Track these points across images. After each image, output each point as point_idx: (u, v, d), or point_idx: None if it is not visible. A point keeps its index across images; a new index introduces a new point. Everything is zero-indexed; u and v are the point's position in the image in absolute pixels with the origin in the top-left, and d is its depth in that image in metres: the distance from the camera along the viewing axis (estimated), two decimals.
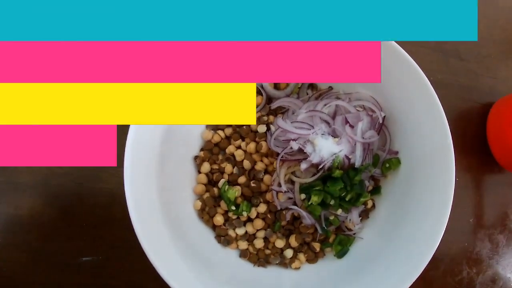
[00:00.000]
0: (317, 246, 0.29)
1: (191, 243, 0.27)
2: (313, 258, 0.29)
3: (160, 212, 0.26)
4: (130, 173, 0.23)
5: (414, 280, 0.25)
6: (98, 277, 0.31)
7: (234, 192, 0.29)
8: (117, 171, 0.32)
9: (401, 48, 0.26)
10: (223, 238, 0.29)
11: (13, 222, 0.33)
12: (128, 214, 0.31)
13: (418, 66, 0.26)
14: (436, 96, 0.26)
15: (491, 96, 0.36)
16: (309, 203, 0.27)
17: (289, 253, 0.29)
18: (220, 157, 0.31)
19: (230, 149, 0.30)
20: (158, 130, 0.26)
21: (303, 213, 0.28)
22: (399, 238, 0.27)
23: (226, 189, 0.29)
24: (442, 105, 0.26)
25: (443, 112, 0.26)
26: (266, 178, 0.29)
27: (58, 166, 0.33)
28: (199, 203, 0.30)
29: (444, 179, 0.25)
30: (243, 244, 0.30)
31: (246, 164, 0.29)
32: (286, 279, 0.29)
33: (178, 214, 0.27)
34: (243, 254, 0.29)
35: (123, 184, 0.31)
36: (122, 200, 0.31)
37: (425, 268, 0.30)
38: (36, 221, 0.32)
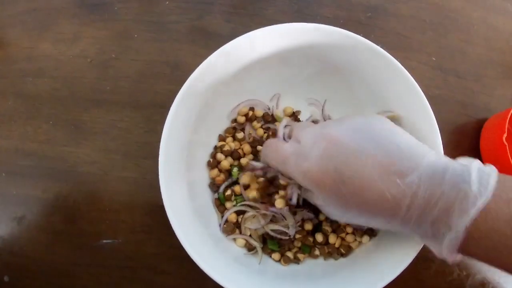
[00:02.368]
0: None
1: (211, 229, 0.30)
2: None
3: (188, 199, 0.29)
4: (164, 159, 0.26)
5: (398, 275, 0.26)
6: (116, 258, 0.34)
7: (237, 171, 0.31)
8: (142, 162, 0.35)
9: (401, 66, 0.29)
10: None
11: (39, 205, 0.35)
12: (149, 201, 0.34)
13: (415, 82, 0.29)
14: (431, 109, 0.29)
15: (486, 112, 0.39)
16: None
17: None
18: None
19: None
20: (191, 121, 0.29)
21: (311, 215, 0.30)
22: (387, 238, 0.29)
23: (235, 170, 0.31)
24: (439, 118, 0.28)
25: (437, 126, 0.28)
26: None
27: (86, 154, 0.36)
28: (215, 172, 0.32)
29: None
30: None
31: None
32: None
33: (201, 202, 0.30)
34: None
35: (149, 173, 0.34)
36: (144, 188, 0.35)
37: (417, 268, 0.32)
38: (61, 205, 0.35)
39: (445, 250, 0.21)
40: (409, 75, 0.28)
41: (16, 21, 0.39)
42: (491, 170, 0.21)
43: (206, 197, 0.32)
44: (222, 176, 0.32)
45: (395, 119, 0.32)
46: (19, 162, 0.36)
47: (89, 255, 0.34)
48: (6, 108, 0.37)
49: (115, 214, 0.34)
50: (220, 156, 0.32)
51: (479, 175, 0.21)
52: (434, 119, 0.28)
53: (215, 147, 0.33)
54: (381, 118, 0.25)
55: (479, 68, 0.40)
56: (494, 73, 0.40)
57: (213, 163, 0.32)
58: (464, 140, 0.38)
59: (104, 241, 0.34)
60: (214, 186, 0.32)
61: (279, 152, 0.25)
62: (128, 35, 0.38)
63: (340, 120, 0.25)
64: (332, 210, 0.24)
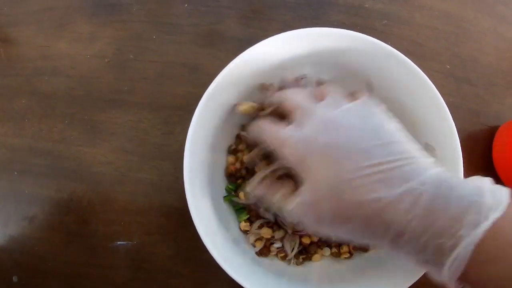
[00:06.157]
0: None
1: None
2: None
3: (210, 198, 0.29)
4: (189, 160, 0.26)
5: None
6: (131, 260, 0.34)
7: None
8: (159, 164, 0.35)
9: (424, 75, 0.29)
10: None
11: (52, 204, 0.35)
12: (166, 203, 0.34)
13: (436, 89, 0.29)
14: (450, 116, 0.29)
15: (498, 120, 0.39)
16: None
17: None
18: None
19: None
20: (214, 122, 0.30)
21: None
22: None
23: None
24: None
25: (456, 133, 0.29)
26: None
27: (102, 155, 0.35)
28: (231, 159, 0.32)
29: None
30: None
31: None
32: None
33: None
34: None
35: (166, 175, 0.34)
36: (161, 190, 0.34)
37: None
38: (75, 205, 0.35)
39: (448, 272, 0.19)
40: (428, 80, 0.29)
41: (31, 19, 0.39)
42: (505, 188, 0.20)
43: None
44: (237, 165, 0.32)
45: None
46: (32, 161, 0.36)
47: (103, 256, 0.34)
48: (20, 106, 0.37)
49: (131, 216, 0.34)
50: (242, 146, 0.32)
51: (491, 189, 0.19)
52: (454, 126, 0.29)
53: (237, 136, 0.33)
54: (391, 118, 0.23)
55: (491, 76, 0.41)
56: (505, 82, 0.41)
57: (233, 151, 0.32)
58: (476, 147, 0.39)
59: (119, 242, 0.34)
60: (231, 176, 0.32)
61: (279, 134, 0.24)
62: (146, 37, 0.38)
63: (351, 109, 0.23)
64: (319, 217, 0.22)
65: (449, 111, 0.29)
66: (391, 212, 0.19)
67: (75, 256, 0.34)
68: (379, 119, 0.23)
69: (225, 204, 0.32)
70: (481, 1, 0.42)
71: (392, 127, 0.23)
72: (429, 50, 0.40)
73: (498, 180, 0.38)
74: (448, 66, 0.40)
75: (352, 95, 0.26)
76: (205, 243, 0.25)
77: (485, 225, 0.18)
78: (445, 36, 0.41)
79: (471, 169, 0.38)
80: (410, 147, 0.22)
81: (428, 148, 0.31)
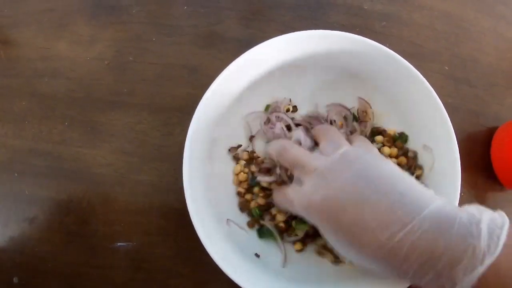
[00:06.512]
0: None
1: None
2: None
3: (209, 205, 0.29)
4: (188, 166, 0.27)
5: None
6: (131, 260, 0.34)
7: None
8: (159, 165, 0.35)
9: (423, 77, 0.29)
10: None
11: (52, 205, 0.35)
12: (166, 204, 0.34)
13: (433, 90, 0.29)
14: (448, 118, 0.29)
15: (497, 121, 0.39)
16: None
17: None
18: None
19: None
20: (210, 127, 0.30)
21: None
22: None
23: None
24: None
25: (454, 135, 0.29)
26: None
27: (102, 156, 0.35)
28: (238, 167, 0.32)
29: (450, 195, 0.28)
30: None
31: None
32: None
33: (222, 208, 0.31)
34: None
35: (165, 176, 0.34)
36: (161, 191, 0.35)
37: None
38: (75, 206, 0.35)
39: None
40: (427, 83, 0.29)
41: (31, 20, 0.39)
42: (503, 222, 0.20)
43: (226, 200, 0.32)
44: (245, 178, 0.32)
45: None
46: (33, 162, 0.36)
47: (103, 256, 0.34)
48: (20, 108, 0.37)
49: (131, 216, 0.34)
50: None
51: (489, 228, 0.20)
52: (452, 128, 0.29)
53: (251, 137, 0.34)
54: (388, 163, 0.24)
55: (490, 77, 0.41)
56: (505, 82, 0.41)
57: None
58: (475, 148, 0.39)
59: (118, 243, 0.34)
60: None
61: (286, 198, 0.27)
62: (146, 38, 0.38)
63: (344, 162, 0.24)
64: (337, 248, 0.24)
65: (448, 112, 0.29)
66: (393, 256, 0.21)
67: (75, 257, 0.34)
68: (372, 163, 0.24)
69: (225, 204, 0.32)
70: (481, 1, 0.42)
71: (387, 168, 0.24)
72: (428, 51, 0.40)
73: (496, 181, 0.38)
74: (447, 68, 0.40)
75: (348, 135, 0.29)
76: (204, 245, 0.25)
77: (480, 269, 0.19)
78: (445, 36, 0.41)
79: (470, 170, 0.38)
80: (407, 185, 0.23)
81: (426, 149, 0.31)
